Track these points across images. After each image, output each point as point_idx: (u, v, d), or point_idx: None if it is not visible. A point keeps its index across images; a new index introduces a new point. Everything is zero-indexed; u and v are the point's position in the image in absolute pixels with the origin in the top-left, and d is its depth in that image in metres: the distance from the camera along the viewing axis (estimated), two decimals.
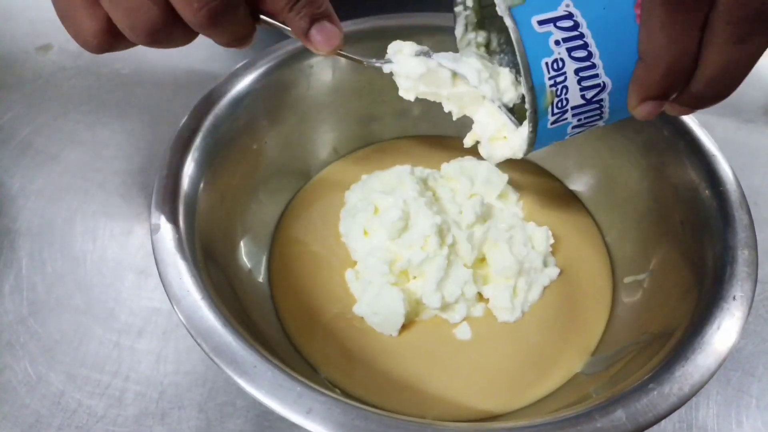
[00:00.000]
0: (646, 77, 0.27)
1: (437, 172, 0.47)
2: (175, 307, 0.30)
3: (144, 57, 0.62)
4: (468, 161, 0.46)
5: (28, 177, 0.51)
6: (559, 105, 0.28)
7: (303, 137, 0.47)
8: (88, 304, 0.43)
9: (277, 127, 0.44)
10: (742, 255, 0.33)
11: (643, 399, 0.28)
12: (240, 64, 0.43)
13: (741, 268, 0.33)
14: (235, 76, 0.42)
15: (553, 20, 0.27)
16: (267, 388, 0.27)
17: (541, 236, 0.43)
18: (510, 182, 0.47)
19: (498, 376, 0.38)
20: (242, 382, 0.28)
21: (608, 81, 0.28)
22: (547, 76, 0.27)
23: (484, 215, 0.44)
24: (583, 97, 0.28)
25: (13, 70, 0.60)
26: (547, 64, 0.27)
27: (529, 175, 0.49)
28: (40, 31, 0.64)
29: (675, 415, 0.40)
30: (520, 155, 0.33)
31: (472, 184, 0.45)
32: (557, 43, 0.27)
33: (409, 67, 0.33)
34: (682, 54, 0.25)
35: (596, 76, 0.28)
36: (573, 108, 0.29)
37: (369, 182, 0.46)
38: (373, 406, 0.37)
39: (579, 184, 0.48)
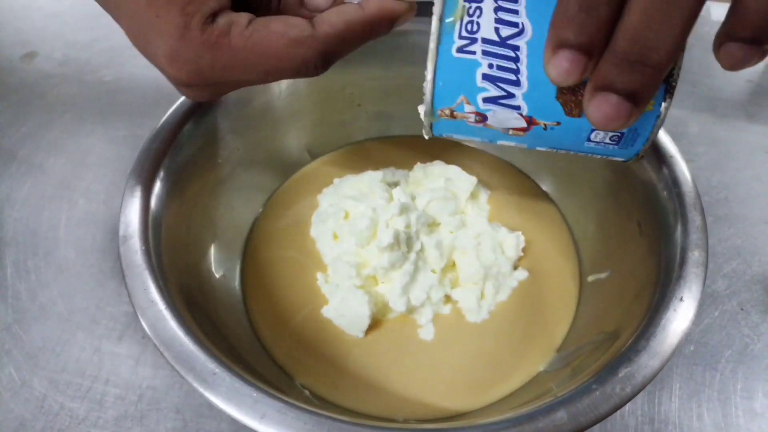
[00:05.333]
0: (562, 12, 0.23)
1: (409, 174, 0.48)
2: (140, 317, 0.32)
3: (127, 63, 0.63)
4: (436, 166, 0.47)
5: (13, 186, 0.53)
6: (469, 27, 0.26)
7: (275, 143, 0.48)
8: (70, 310, 0.45)
9: (248, 135, 0.45)
10: (692, 256, 0.34)
11: (585, 399, 0.29)
12: None
13: (690, 270, 0.33)
14: None
15: None
16: (224, 395, 0.29)
17: (512, 242, 0.44)
18: (481, 181, 0.47)
19: (461, 375, 0.39)
20: (201, 389, 0.29)
21: (528, 26, 0.26)
22: None
23: (458, 223, 0.44)
24: (497, 31, 0.26)
25: None
26: None
27: (502, 175, 0.50)
28: (25, 39, 0.65)
29: (638, 409, 0.41)
30: (428, 87, 0.28)
31: (439, 187, 0.46)
32: None
33: None
34: None
35: (515, 12, 0.26)
36: (484, 41, 0.26)
37: (340, 187, 0.47)
38: (343, 407, 0.38)
39: (548, 183, 0.49)
